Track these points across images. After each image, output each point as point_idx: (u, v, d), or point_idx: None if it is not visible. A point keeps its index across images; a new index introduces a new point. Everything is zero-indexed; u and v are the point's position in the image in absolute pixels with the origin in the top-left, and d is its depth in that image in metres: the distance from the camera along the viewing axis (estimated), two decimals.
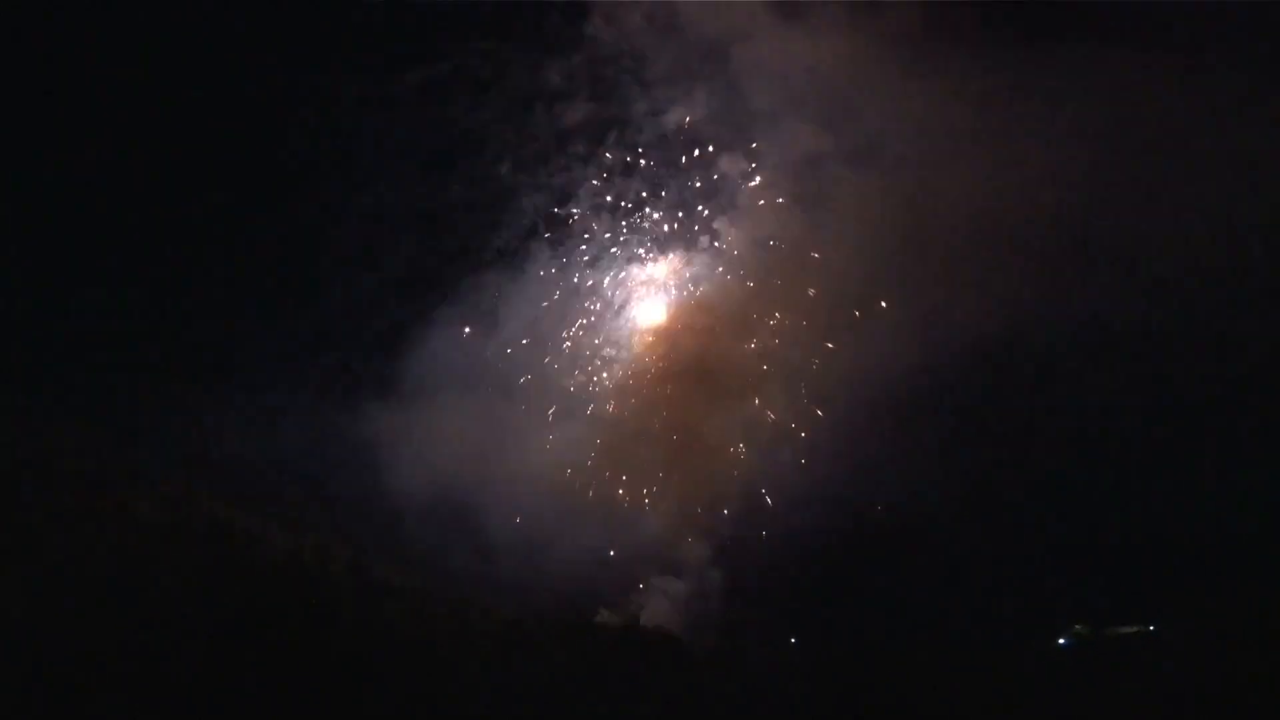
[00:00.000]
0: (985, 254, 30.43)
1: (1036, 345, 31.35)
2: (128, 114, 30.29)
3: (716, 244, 33.61)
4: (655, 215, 33.49)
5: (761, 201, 32.98)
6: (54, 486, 23.61)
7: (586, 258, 33.71)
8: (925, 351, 31.18)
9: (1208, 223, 28.68)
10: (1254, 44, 28.38)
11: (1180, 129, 28.62)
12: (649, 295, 34.02)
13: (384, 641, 23.27)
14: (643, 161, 32.93)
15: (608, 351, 34.02)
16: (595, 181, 32.94)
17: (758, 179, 32.87)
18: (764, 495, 33.59)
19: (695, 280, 33.96)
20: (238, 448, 29.03)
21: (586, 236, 33.50)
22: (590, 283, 33.84)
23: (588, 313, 33.88)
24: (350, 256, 33.15)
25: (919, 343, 31.30)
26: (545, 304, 33.56)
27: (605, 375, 34.07)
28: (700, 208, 33.38)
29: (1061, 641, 31.40)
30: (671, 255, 33.87)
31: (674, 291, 34.03)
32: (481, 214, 33.49)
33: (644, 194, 33.31)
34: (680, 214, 33.50)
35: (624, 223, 33.52)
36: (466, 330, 32.58)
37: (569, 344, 33.81)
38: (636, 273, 33.96)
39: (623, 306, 33.98)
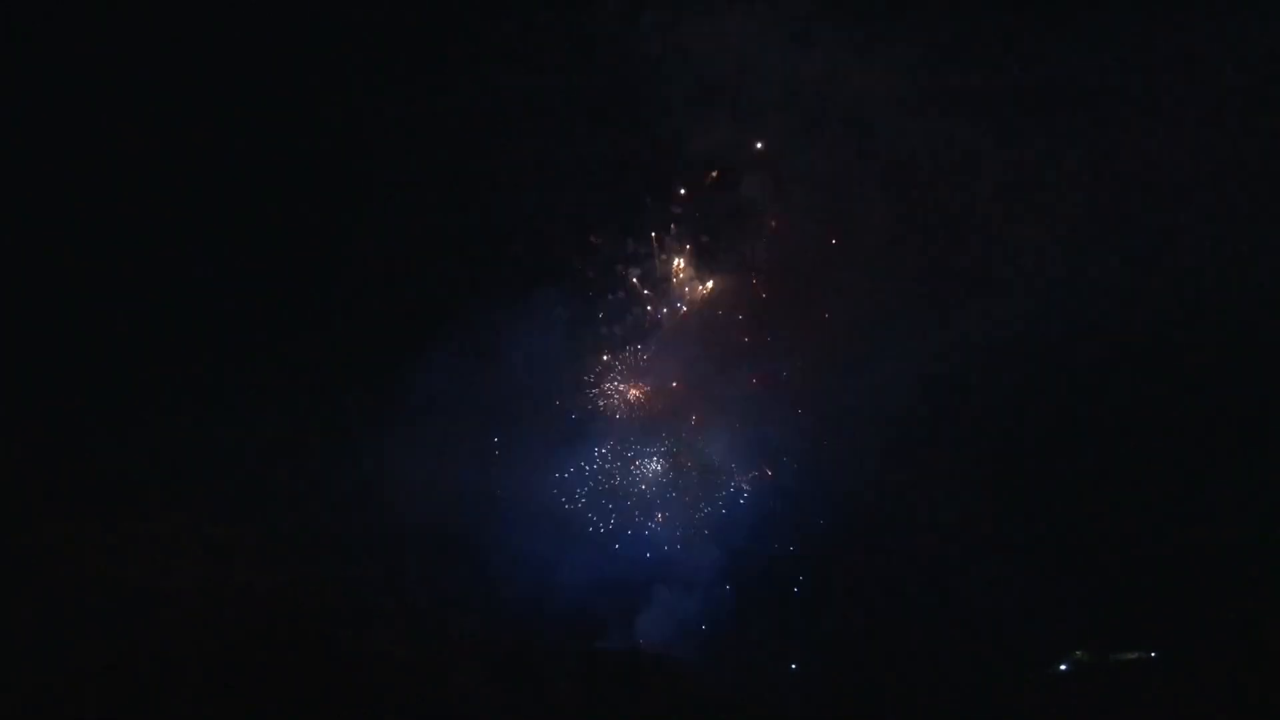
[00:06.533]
0: (1003, 275, 30.60)
1: (1041, 370, 31.45)
2: (132, 128, 30.13)
3: (735, 265, 33.50)
4: (673, 238, 33.48)
5: (783, 223, 33.03)
6: (51, 509, 23.54)
7: (602, 283, 33.68)
8: (930, 375, 31.32)
9: (1235, 243, 28.67)
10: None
11: (1206, 144, 28.63)
12: (663, 316, 34.01)
13: (380, 670, 23.17)
14: (662, 187, 32.82)
15: (618, 373, 33.99)
16: (614, 208, 32.98)
17: (779, 200, 32.93)
18: (768, 515, 33.56)
19: (711, 301, 33.94)
20: (236, 473, 28.86)
21: (603, 263, 33.50)
22: (604, 306, 33.76)
23: (600, 337, 33.85)
24: (359, 282, 32.98)
25: (924, 366, 31.41)
26: (554, 329, 33.39)
27: (614, 398, 34.04)
28: (719, 230, 33.31)
29: (1062, 667, 31.28)
30: (688, 276, 33.84)
31: (689, 311, 33.98)
32: (495, 242, 33.39)
33: (663, 217, 33.24)
34: (701, 236, 33.40)
35: (641, 247, 33.50)
36: (471, 357, 32.39)
37: (580, 370, 33.78)
38: (651, 296, 33.96)
39: (636, 328, 33.94)
